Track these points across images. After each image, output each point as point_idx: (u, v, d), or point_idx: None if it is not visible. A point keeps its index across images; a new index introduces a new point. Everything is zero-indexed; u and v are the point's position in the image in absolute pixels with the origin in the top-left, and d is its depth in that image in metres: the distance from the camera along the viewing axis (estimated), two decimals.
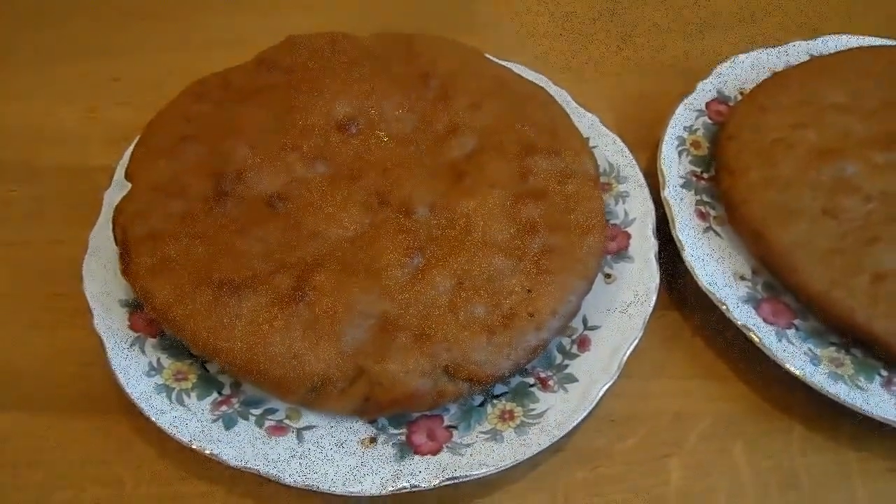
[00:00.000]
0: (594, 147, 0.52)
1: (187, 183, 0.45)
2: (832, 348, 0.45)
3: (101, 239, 0.46)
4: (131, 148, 0.49)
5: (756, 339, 0.45)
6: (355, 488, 0.39)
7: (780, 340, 0.45)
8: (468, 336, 0.41)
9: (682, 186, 0.52)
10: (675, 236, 0.49)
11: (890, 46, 0.60)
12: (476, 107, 0.50)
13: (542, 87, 0.54)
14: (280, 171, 0.45)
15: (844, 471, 0.44)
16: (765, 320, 0.46)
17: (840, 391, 0.43)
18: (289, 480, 0.39)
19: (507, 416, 0.42)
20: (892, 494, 0.43)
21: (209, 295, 0.41)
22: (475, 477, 0.39)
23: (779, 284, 0.47)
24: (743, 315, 0.46)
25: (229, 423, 0.41)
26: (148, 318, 0.44)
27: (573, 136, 0.51)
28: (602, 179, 0.50)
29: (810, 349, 0.45)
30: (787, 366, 0.44)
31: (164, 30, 0.65)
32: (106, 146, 0.51)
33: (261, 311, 0.40)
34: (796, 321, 0.46)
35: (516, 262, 0.43)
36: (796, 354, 0.44)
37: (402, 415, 0.42)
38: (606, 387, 0.42)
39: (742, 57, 0.59)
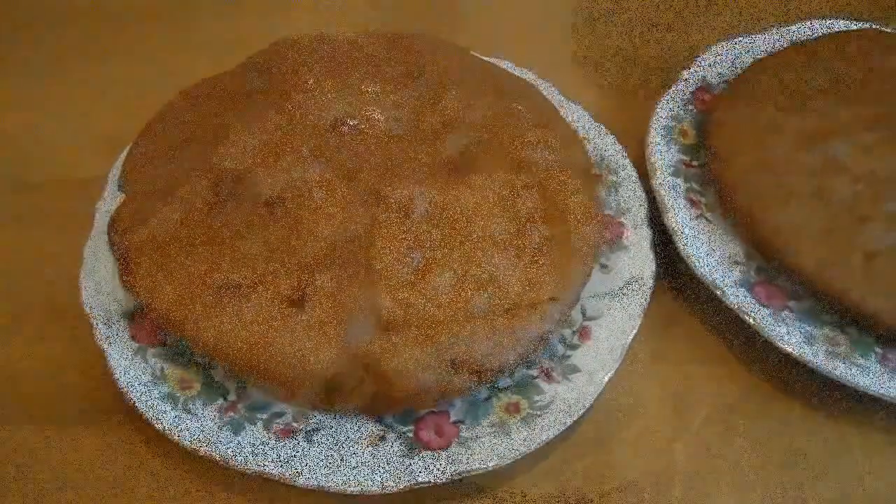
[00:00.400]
0: (584, 139, 0.52)
1: (184, 188, 0.44)
2: (827, 327, 0.46)
3: (97, 248, 0.46)
4: (123, 156, 0.49)
5: (752, 322, 0.45)
6: (367, 486, 0.39)
7: (775, 322, 0.46)
8: (472, 330, 0.41)
9: (672, 174, 0.52)
10: (668, 224, 0.49)
11: (866, 29, 0.61)
12: (468, 104, 0.50)
13: (530, 82, 0.54)
14: (277, 174, 0.45)
15: (845, 447, 0.45)
16: (760, 303, 0.46)
17: (837, 369, 0.44)
18: (300, 482, 0.39)
19: (512, 409, 0.42)
20: (892, 467, 0.44)
21: (211, 298, 0.41)
22: (485, 470, 0.40)
23: (772, 267, 0.48)
24: (738, 298, 0.46)
25: (237, 429, 0.41)
26: (149, 328, 0.44)
27: (564, 129, 0.51)
28: (593, 170, 0.51)
29: (806, 329, 0.46)
30: (784, 346, 0.45)
31: (155, 35, 0.65)
32: (99, 155, 0.51)
33: (263, 312, 0.40)
34: (791, 302, 0.47)
35: (515, 254, 0.44)
36: (792, 335, 0.45)
37: (409, 412, 0.42)
38: (609, 375, 0.43)
39: (723, 44, 0.60)
